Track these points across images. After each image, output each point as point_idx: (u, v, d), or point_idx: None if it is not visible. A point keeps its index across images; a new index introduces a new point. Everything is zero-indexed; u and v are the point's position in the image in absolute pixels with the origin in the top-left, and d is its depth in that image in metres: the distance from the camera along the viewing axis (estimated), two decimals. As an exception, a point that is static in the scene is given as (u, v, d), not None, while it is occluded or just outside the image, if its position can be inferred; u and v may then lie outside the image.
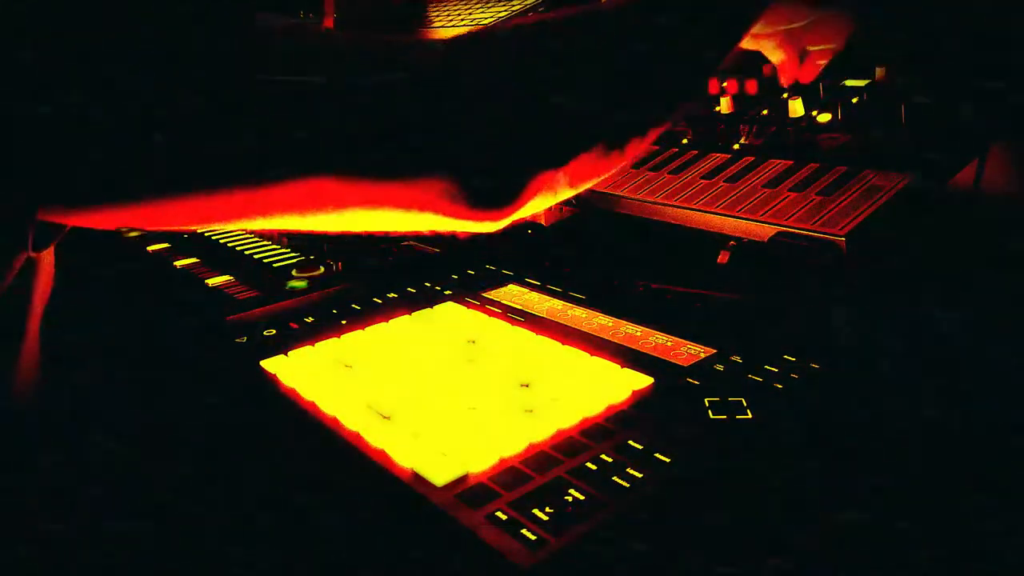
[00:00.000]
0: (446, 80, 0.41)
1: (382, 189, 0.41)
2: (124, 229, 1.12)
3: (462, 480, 0.47)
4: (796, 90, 0.80)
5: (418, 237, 0.97)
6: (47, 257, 0.46)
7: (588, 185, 0.47)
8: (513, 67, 0.43)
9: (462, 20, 1.13)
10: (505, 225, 0.45)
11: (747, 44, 0.64)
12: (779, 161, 0.77)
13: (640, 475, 0.46)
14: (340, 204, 0.41)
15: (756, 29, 0.61)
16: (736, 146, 0.82)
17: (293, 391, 0.60)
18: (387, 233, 0.45)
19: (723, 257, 0.70)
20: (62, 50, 0.34)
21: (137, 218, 0.41)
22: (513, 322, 0.70)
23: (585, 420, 0.53)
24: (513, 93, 0.42)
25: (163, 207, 0.39)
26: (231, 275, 0.87)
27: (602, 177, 0.47)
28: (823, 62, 0.67)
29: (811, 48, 0.66)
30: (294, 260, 0.92)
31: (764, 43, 0.65)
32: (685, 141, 0.87)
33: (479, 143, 0.41)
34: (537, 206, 0.45)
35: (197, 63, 0.36)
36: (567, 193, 0.46)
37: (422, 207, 0.42)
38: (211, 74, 0.36)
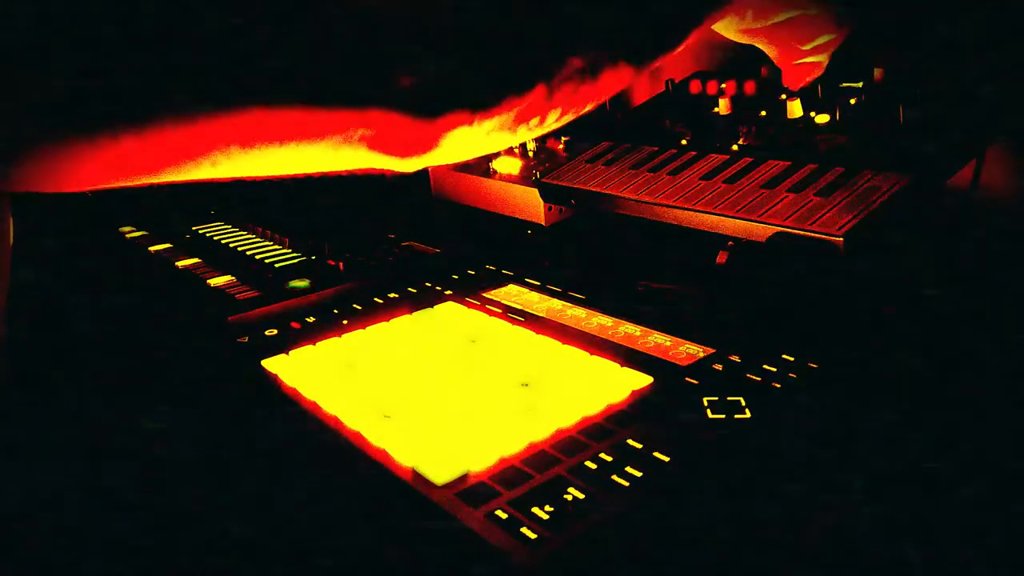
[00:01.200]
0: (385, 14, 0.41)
1: (325, 119, 0.40)
2: (126, 229, 1.13)
3: (462, 479, 0.47)
4: (794, 91, 0.81)
5: (418, 237, 0.97)
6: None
7: (516, 136, 0.46)
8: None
9: None
10: (419, 167, 0.44)
11: (738, 38, 0.64)
12: (777, 162, 0.77)
13: (639, 474, 0.47)
14: (278, 137, 0.40)
15: (747, 23, 0.61)
16: (734, 147, 0.83)
17: (294, 391, 0.60)
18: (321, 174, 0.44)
19: (722, 257, 0.70)
20: None
21: (44, 176, 0.38)
22: (513, 322, 0.70)
23: (585, 419, 0.53)
24: (445, 29, 0.42)
25: (87, 154, 0.36)
26: (232, 275, 0.88)
27: (541, 130, 0.47)
28: (817, 60, 0.66)
29: (803, 47, 0.66)
30: (295, 260, 0.92)
31: (757, 39, 0.65)
32: (684, 142, 0.88)
33: (408, 77, 0.41)
34: (458, 151, 0.45)
35: None
36: (496, 139, 0.45)
37: (354, 139, 0.41)
38: None
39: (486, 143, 0.45)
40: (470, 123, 0.43)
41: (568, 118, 0.48)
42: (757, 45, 0.64)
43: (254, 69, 0.38)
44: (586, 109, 0.48)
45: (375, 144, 0.42)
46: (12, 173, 0.36)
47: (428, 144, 0.43)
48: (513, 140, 0.47)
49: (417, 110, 0.42)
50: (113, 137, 0.36)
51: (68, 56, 0.34)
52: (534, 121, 0.46)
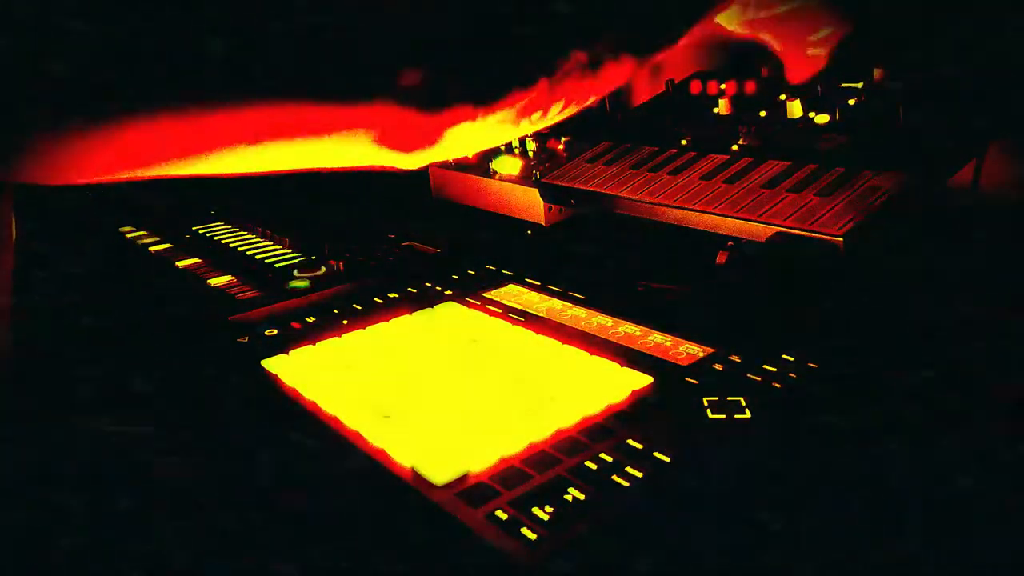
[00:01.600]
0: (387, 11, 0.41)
1: (330, 114, 0.40)
2: (126, 229, 1.13)
3: (462, 479, 0.47)
4: (794, 91, 0.81)
5: (418, 237, 0.97)
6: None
7: (519, 130, 0.46)
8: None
9: None
10: (423, 163, 0.44)
11: (740, 31, 0.63)
12: (777, 162, 0.77)
13: (640, 474, 0.47)
14: (284, 132, 0.40)
15: (749, 14, 0.61)
16: (734, 147, 0.83)
17: (294, 390, 0.60)
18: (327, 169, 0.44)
19: (721, 257, 0.70)
20: None
21: (54, 166, 0.37)
22: (513, 322, 0.70)
23: (585, 419, 0.53)
24: (448, 25, 0.42)
25: (100, 142, 0.36)
26: (233, 275, 0.88)
27: (544, 123, 0.47)
28: (822, 51, 0.66)
29: (811, 38, 0.65)
30: (295, 260, 0.92)
31: (759, 32, 0.65)
32: (684, 142, 0.88)
33: (408, 73, 0.41)
34: (462, 146, 0.45)
35: None
36: (499, 132, 0.45)
37: (359, 134, 0.42)
38: None
39: (489, 136, 0.45)
40: (473, 118, 0.43)
41: (571, 110, 0.48)
42: (760, 38, 0.64)
43: (258, 64, 0.38)
44: (589, 101, 0.48)
45: (380, 139, 0.42)
46: (16, 164, 0.36)
47: (431, 138, 0.43)
48: (515, 133, 0.47)
49: (421, 104, 0.42)
50: (117, 129, 0.36)
51: (72, 48, 0.34)
52: (537, 115, 0.46)
